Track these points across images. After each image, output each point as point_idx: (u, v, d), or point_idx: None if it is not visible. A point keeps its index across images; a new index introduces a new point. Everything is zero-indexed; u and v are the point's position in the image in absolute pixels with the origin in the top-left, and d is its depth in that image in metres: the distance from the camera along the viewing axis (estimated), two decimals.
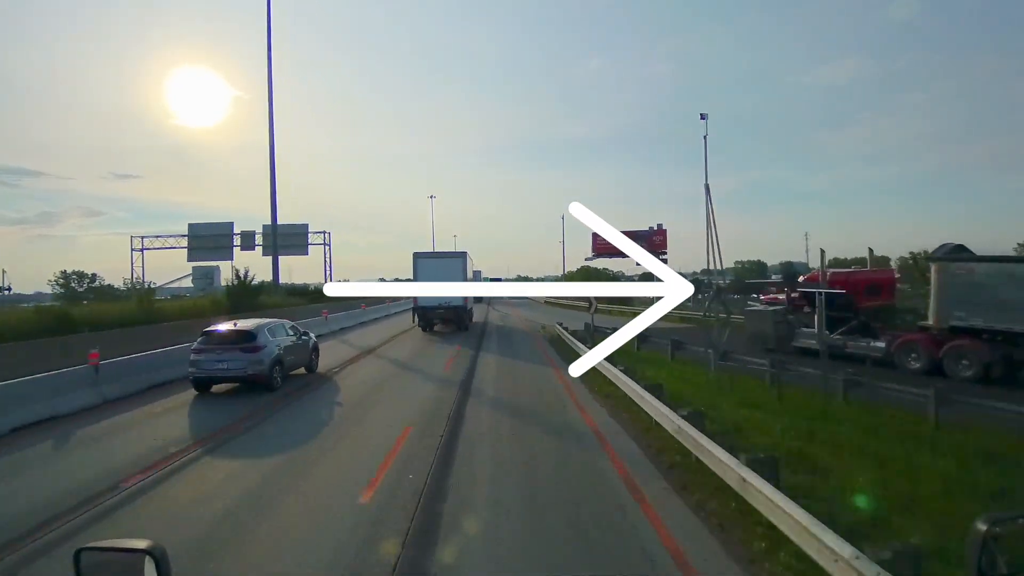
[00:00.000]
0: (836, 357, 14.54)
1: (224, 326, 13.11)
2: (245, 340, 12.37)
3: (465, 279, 25.05)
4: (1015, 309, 12.51)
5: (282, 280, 45.02)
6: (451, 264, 24.46)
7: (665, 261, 38.13)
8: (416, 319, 24.79)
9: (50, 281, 50.56)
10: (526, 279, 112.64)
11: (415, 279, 24.25)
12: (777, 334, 17.30)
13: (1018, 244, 40.97)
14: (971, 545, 1.41)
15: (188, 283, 77.50)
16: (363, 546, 4.99)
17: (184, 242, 57.48)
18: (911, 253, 16.64)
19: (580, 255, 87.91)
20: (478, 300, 40.00)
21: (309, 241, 60.07)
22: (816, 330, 15.08)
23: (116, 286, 48.01)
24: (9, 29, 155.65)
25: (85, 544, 1.52)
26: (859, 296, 16.09)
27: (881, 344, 14.85)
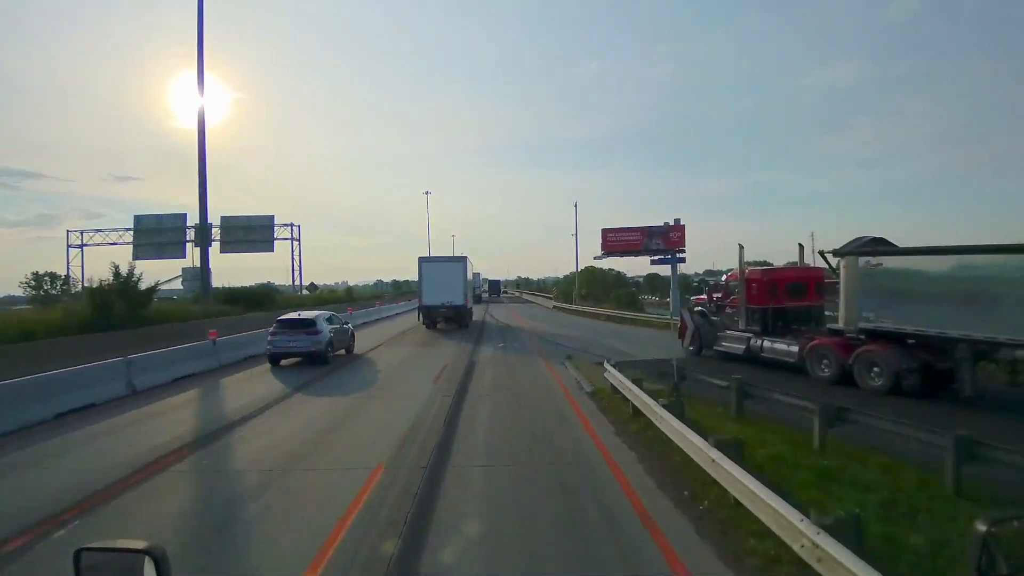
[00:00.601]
0: (754, 362, 14.56)
1: (292, 315, 17.97)
2: (308, 326, 16.88)
3: (466, 281, 28.13)
4: (929, 308, 10.80)
5: (242, 283, 42.70)
6: (453, 268, 27.28)
7: (683, 260, 36.70)
8: (421, 317, 27.57)
9: (21, 283, 46.35)
10: (527, 280, 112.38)
11: (420, 281, 27.03)
12: (701, 337, 16.96)
13: None
14: (971, 545, 1.45)
15: (179, 284, 68.59)
16: (410, 439, 8.61)
17: (130, 237, 49.28)
18: (820, 250, 14.33)
19: (585, 254, 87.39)
20: (477, 300, 42.48)
21: (275, 236, 52.12)
22: (736, 332, 15.51)
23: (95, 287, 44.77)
24: (9, 31, 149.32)
25: (86, 544, 1.53)
26: (779, 295, 14.89)
27: (795, 348, 13.51)
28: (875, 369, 11.45)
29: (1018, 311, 9.60)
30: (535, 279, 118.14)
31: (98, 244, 50.35)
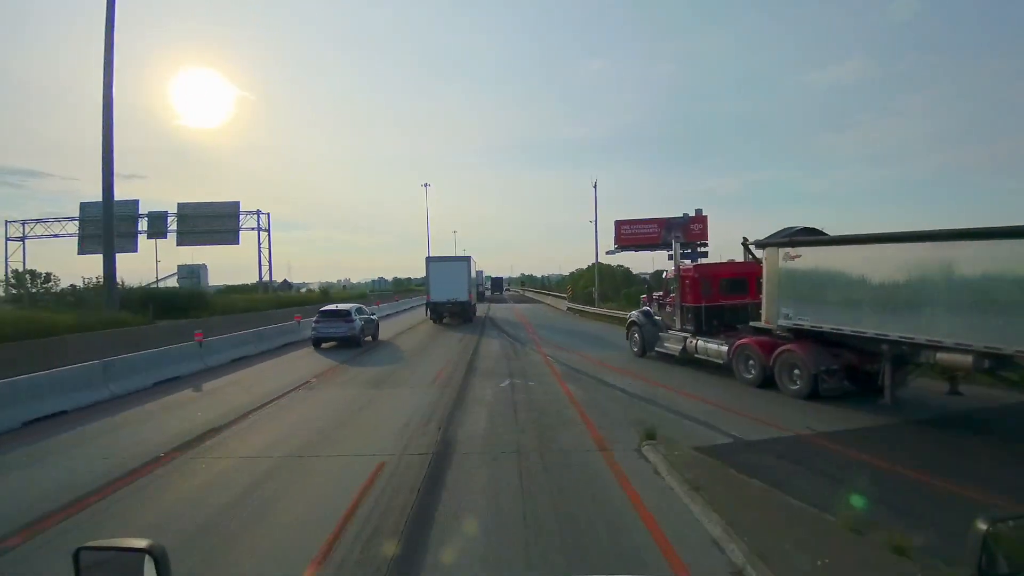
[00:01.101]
0: (688, 362, 14.18)
1: (331, 307, 22.11)
2: (345, 315, 20.53)
3: (470, 279, 30.20)
4: (846, 304, 9.86)
5: (226, 282, 40.73)
6: (458, 266, 29.40)
7: (706, 254, 33.53)
8: (429, 313, 29.51)
9: (1, 281, 43.53)
10: (530, 278, 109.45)
11: (427, 278, 29.13)
12: (643, 338, 16.22)
13: None
14: (971, 544, 1.41)
15: (173, 282, 67.21)
16: (436, 400, 11.10)
17: (75, 228, 44.46)
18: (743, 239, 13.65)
19: (591, 250, 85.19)
20: (480, 297, 43.07)
21: (240, 225, 46.92)
22: (675, 333, 14.75)
23: (79, 286, 39.12)
24: (13, 30, 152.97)
25: (85, 544, 1.51)
26: (715, 293, 14.01)
27: (725, 349, 12.64)
28: (795, 371, 10.54)
29: (938, 307, 8.48)
30: (539, 276, 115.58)
31: (39, 236, 45.50)
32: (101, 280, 28.69)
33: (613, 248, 38.44)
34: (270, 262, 51.36)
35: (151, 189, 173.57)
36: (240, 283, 63.05)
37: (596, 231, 39.12)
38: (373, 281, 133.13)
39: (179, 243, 47.33)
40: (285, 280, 79.84)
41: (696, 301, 14.01)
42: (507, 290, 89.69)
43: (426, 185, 75.76)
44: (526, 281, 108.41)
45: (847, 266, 9.96)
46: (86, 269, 57.85)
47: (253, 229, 48.48)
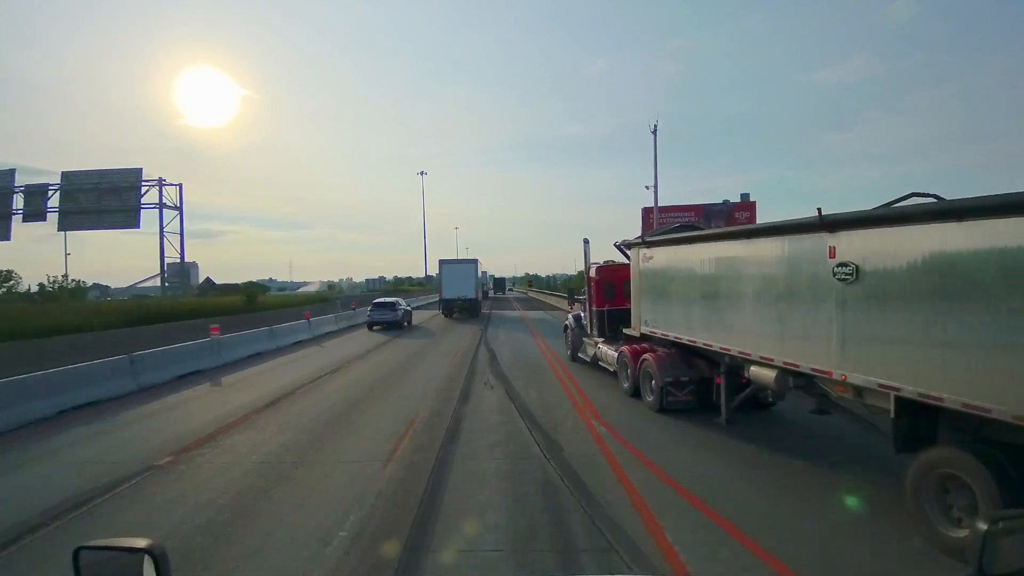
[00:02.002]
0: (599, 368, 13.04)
1: (382, 299, 28.28)
2: (392, 306, 26.86)
3: (476, 278, 34.05)
4: (685, 308, 8.85)
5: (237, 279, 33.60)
6: (466, 268, 33.35)
7: None
8: (440, 308, 32.97)
9: None
10: (535, 277, 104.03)
11: (440, 278, 33.29)
12: (572, 342, 15.28)
13: None
14: (972, 543, 1.40)
15: (156, 284, 66.22)
16: (461, 365, 14.68)
17: None
18: (615, 242, 12.00)
19: (604, 244, 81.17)
20: (484, 296, 44.88)
21: (142, 203, 35.35)
22: (592, 338, 13.51)
23: (47, 286, 35.96)
24: (18, 30, 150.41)
25: (84, 543, 1.53)
26: (619, 295, 12.44)
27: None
28: (652, 381, 9.51)
29: (745, 314, 7.28)
30: (543, 276, 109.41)
31: None
32: (67, 279, 28.73)
33: (637, 238, 36.43)
34: (182, 251, 37.87)
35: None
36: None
37: (656, 195, 29.71)
38: (369, 280, 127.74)
39: (61, 226, 33.77)
40: (208, 278, 66.95)
41: (600, 305, 13.10)
42: (510, 290, 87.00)
43: (422, 174, 72.31)
44: (534, 280, 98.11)
45: (682, 268, 8.99)
46: None
47: (152, 207, 35.21)
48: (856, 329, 5.46)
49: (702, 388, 8.93)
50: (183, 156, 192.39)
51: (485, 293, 49.56)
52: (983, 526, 1.40)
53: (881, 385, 5.10)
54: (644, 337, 10.53)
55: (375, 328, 25.60)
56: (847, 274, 5.47)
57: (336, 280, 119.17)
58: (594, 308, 13.29)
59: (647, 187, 30.38)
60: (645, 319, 10.27)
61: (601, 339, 12.96)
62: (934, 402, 4.58)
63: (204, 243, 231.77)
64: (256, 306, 37.41)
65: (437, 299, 34.63)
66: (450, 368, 14.37)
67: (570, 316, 16.31)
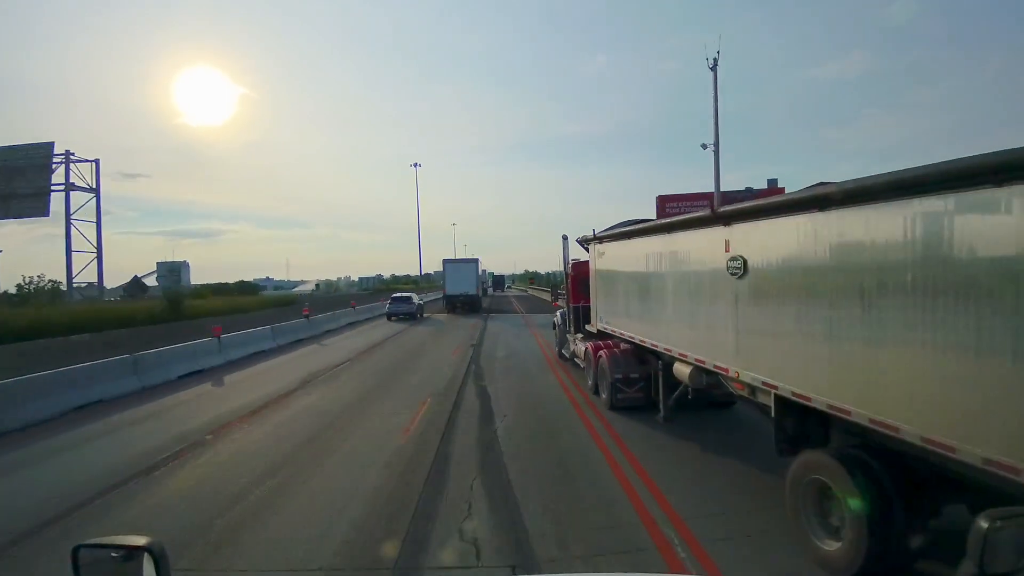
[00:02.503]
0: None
1: (399, 294, 32.29)
2: (409, 300, 30.55)
3: (477, 276, 37.55)
4: (627, 302, 8.73)
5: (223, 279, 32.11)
6: (468, 267, 36.44)
7: None
8: (445, 303, 35.86)
9: None
10: (535, 275, 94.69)
11: (444, 276, 36.73)
12: (559, 339, 15.19)
13: None
14: (972, 542, 1.40)
15: (153, 281, 64.84)
16: (468, 348, 17.64)
17: None
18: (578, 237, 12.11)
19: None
20: (484, 293, 47.39)
21: (51, 184, 29.16)
22: (570, 336, 13.33)
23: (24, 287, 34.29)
24: (17, 29, 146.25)
25: (84, 541, 1.55)
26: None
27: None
28: (605, 378, 9.41)
29: (667, 307, 7.11)
30: (543, 273, 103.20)
31: None
32: (44, 279, 28.49)
33: (590, 236, 32.55)
34: (99, 246, 31.27)
35: (155, 187, 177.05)
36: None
37: (717, 156, 23.24)
38: (362, 279, 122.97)
39: None
40: (136, 276, 58.97)
41: (576, 301, 12.92)
42: (509, 287, 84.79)
43: (415, 165, 66.48)
44: (534, 277, 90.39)
45: (626, 264, 8.86)
46: None
47: (60, 188, 28.03)
48: (745, 325, 5.27)
49: (652, 386, 8.76)
50: (182, 155, 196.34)
51: (484, 290, 52.53)
52: (984, 524, 1.38)
53: (764, 383, 4.91)
54: (602, 334, 10.40)
55: (392, 319, 28.88)
56: (736, 268, 5.29)
57: (335, 278, 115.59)
58: (571, 305, 13.17)
59: (704, 145, 23.43)
60: (601, 315, 10.15)
61: (580, 336, 12.85)
62: (804, 402, 4.38)
63: (203, 242, 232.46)
64: (182, 313, 29.77)
65: (440, 296, 37.27)
66: (468, 335, 21.75)
67: (558, 313, 16.25)
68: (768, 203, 4.93)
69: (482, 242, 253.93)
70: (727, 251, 5.48)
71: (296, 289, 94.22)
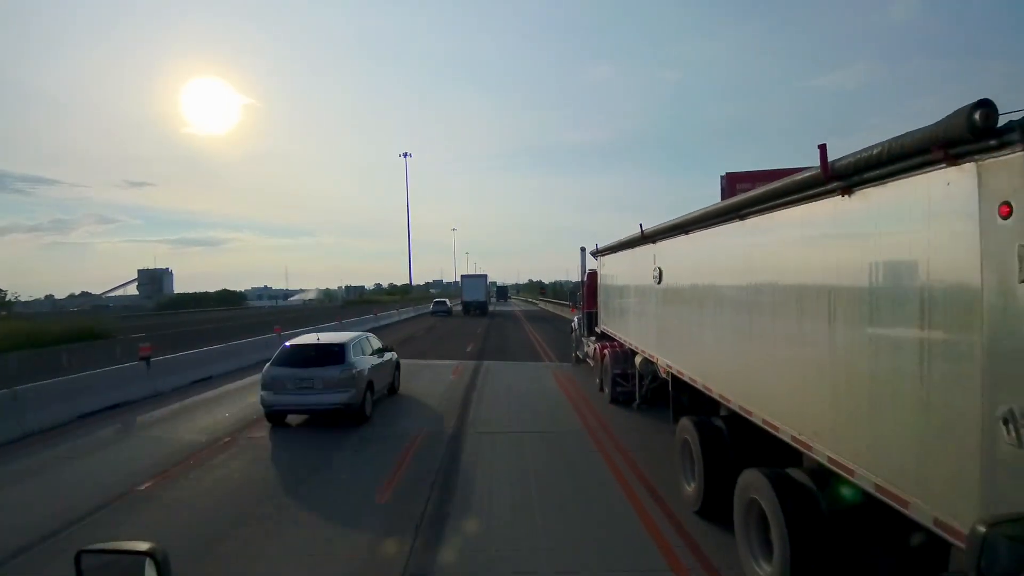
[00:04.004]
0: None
1: (439, 299, 47.85)
2: (444, 303, 45.86)
3: (486, 288, 49.23)
4: (617, 307, 9.56)
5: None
6: (479, 280, 48.52)
7: None
8: (462, 309, 46.43)
9: None
10: (539, 284, 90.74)
11: (461, 287, 48.75)
12: (575, 341, 16.22)
13: None
14: (971, 545, 1.40)
15: (133, 290, 60.94)
16: (477, 340, 23.81)
17: None
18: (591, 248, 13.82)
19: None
20: (490, 302, 56.89)
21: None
22: (585, 339, 14.41)
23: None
24: (24, 41, 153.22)
25: (86, 546, 1.50)
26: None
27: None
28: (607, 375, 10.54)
29: (631, 313, 8.36)
30: (547, 282, 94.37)
31: None
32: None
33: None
34: None
35: (160, 196, 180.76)
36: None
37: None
38: (349, 288, 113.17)
39: None
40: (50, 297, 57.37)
41: (589, 308, 14.22)
42: (507, 299, 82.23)
43: (405, 155, 56.83)
44: (546, 288, 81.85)
45: (614, 273, 10.18)
46: None
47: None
48: (661, 322, 6.61)
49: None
50: (187, 164, 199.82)
51: (488, 299, 60.53)
52: (982, 528, 1.40)
53: (666, 366, 6.23)
54: (604, 335, 11.72)
55: (436, 314, 42.17)
56: (655, 277, 6.64)
57: (335, 287, 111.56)
58: (585, 311, 14.50)
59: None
60: (603, 318, 11.53)
61: (592, 338, 14.16)
62: (691, 382, 5.67)
63: (207, 251, 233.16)
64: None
65: (430, 310, 47.53)
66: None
67: (575, 319, 17.55)
68: (662, 227, 6.31)
69: (486, 250, 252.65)
70: (654, 263, 6.82)
71: (292, 299, 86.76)
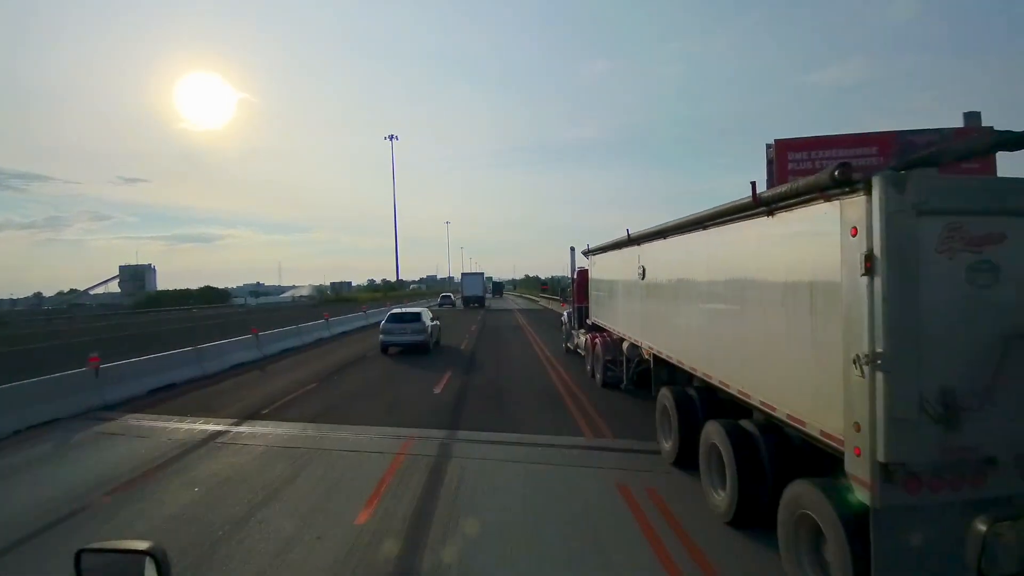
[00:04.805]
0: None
1: (446, 294, 62.50)
2: (449, 296, 60.37)
3: (484, 284, 56.81)
4: (606, 300, 11.14)
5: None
6: (477, 277, 55.99)
7: None
8: (463, 303, 52.82)
9: None
10: (535, 279, 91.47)
11: (461, 283, 56.54)
12: (565, 334, 17.64)
13: None
14: (971, 545, 1.50)
15: (115, 287, 59.90)
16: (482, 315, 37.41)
17: None
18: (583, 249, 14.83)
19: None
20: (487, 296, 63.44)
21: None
22: (574, 332, 15.86)
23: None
24: (18, 35, 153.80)
25: (86, 545, 1.52)
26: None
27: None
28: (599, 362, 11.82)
29: (619, 305, 9.68)
30: (543, 278, 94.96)
31: None
32: None
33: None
34: None
35: (155, 192, 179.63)
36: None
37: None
38: (333, 284, 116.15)
39: None
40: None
41: (580, 302, 15.48)
42: (495, 295, 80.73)
43: (391, 137, 53.69)
44: (547, 283, 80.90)
45: (603, 271, 11.54)
46: None
47: None
48: (645, 311, 7.86)
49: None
50: (183, 160, 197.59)
51: (486, 294, 66.78)
52: (982, 527, 1.46)
53: (647, 348, 7.50)
54: (595, 327, 12.98)
55: (443, 306, 50.05)
56: (640, 273, 7.88)
57: (328, 284, 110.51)
58: (576, 305, 15.78)
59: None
60: (593, 311, 12.81)
61: (583, 330, 15.42)
62: (667, 359, 6.93)
63: (203, 247, 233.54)
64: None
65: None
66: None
67: (565, 313, 18.84)
68: (645, 232, 7.59)
69: (482, 246, 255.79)
70: (638, 262, 8.08)
71: (283, 295, 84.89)
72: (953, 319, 3.14)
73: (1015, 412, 3.17)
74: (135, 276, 62.23)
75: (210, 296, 58.91)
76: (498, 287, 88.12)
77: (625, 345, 9.49)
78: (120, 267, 60.72)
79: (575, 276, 15.88)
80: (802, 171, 19.29)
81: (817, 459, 3.89)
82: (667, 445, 6.56)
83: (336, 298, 63.55)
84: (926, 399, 3.09)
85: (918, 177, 3.13)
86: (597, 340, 11.86)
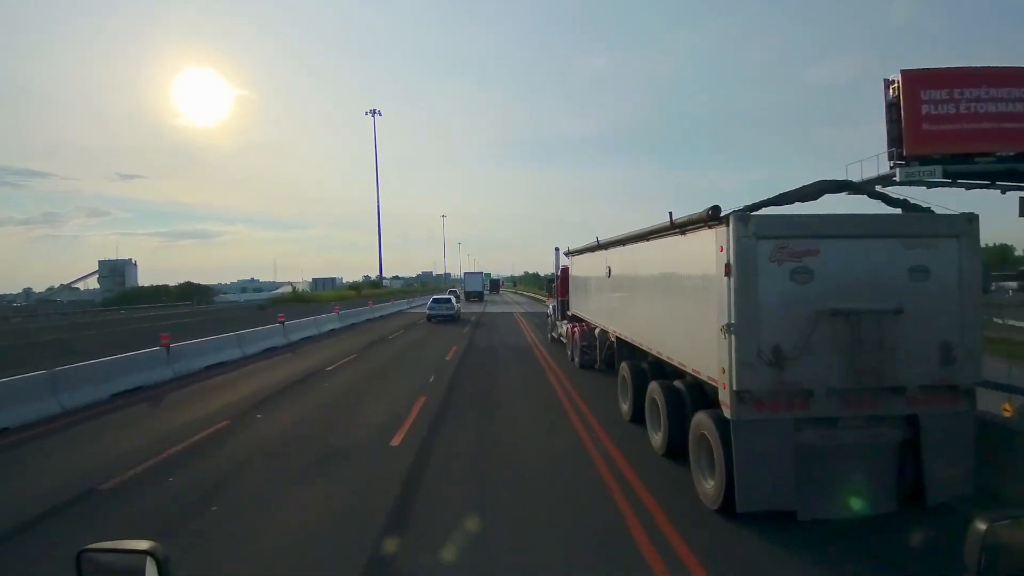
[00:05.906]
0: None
1: (451, 289, 59.79)
2: (453, 293, 47.16)
3: (483, 281, 66.40)
4: (583, 294, 13.10)
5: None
6: (478, 276, 66.23)
7: None
8: (465, 298, 57.58)
9: None
10: (535, 276, 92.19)
11: (464, 280, 68.86)
12: (550, 324, 19.62)
13: None
14: (971, 544, 1.44)
15: (94, 283, 58.02)
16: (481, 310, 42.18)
17: None
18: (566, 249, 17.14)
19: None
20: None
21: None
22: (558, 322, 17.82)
23: None
24: (14, 32, 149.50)
25: (87, 546, 1.54)
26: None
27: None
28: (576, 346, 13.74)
29: (592, 299, 11.75)
30: (543, 275, 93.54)
31: None
32: None
33: (896, 163, 18.52)
34: None
35: (151, 188, 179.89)
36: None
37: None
38: (315, 280, 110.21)
39: None
40: None
41: (563, 296, 17.41)
42: (499, 291, 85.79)
43: (373, 112, 50.73)
44: (552, 280, 73.69)
45: (580, 269, 13.65)
46: None
47: None
48: (611, 303, 9.82)
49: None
50: (179, 156, 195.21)
51: (484, 290, 72.62)
52: (982, 527, 1.43)
53: (612, 331, 9.46)
54: (575, 317, 14.95)
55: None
56: (607, 272, 9.84)
57: (310, 280, 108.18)
58: (560, 298, 17.75)
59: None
60: (573, 304, 14.86)
61: (565, 321, 17.37)
62: (627, 339, 8.88)
63: (200, 243, 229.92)
64: None
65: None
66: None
67: (550, 306, 20.86)
68: (611, 240, 9.56)
69: (480, 242, 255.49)
70: (606, 263, 10.03)
71: (277, 291, 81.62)
72: (780, 303, 5.08)
73: (822, 361, 5.11)
74: (114, 271, 59.43)
75: (189, 292, 55.81)
76: (494, 284, 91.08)
77: (597, 331, 11.48)
78: (99, 262, 58.56)
79: (559, 273, 17.86)
80: (942, 116, 17.52)
81: (716, 403, 5.86)
82: (625, 407, 8.51)
83: (294, 298, 57.86)
84: (762, 351, 5.02)
85: (757, 216, 5.08)
86: (575, 328, 13.84)
